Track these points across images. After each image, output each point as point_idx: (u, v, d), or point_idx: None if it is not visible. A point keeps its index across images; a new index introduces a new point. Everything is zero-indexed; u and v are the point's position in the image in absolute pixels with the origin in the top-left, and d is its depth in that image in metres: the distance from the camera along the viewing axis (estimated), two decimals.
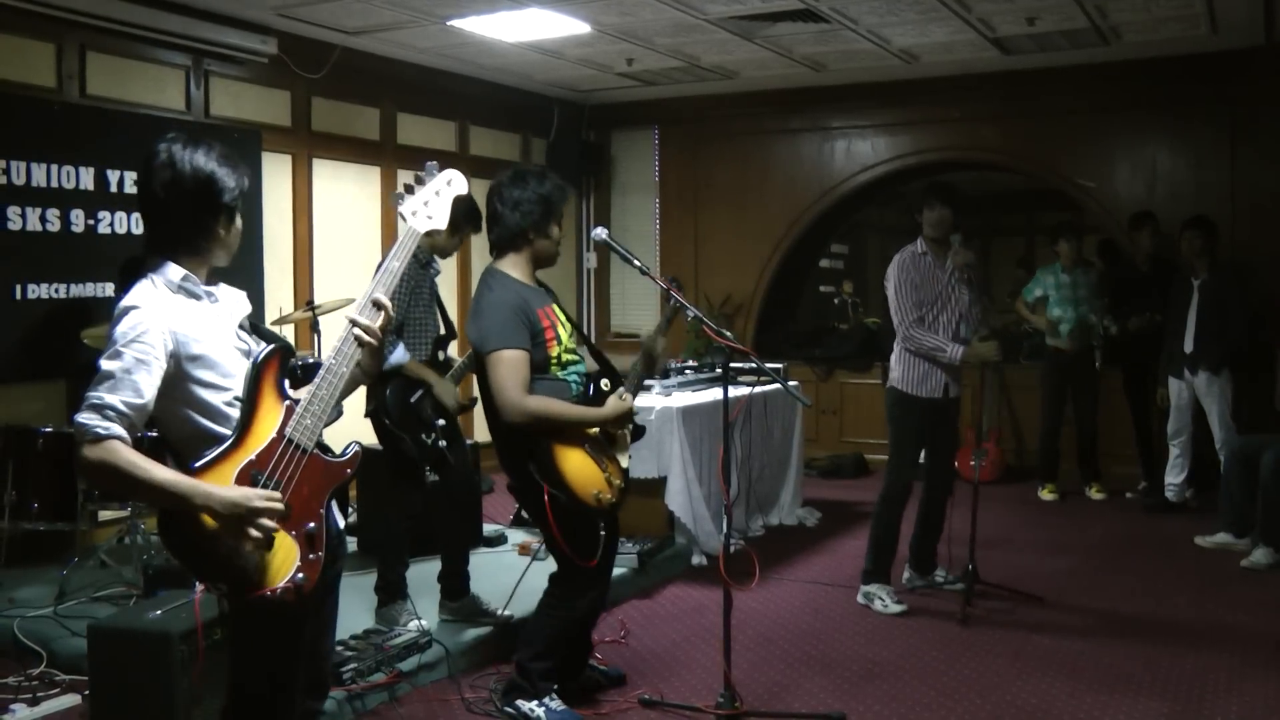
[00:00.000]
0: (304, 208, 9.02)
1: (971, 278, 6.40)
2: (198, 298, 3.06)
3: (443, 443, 5.71)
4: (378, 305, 3.11)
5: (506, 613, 5.81)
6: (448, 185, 3.35)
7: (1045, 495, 9.49)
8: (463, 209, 5.60)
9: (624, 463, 4.87)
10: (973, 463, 6.71)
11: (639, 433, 5.04)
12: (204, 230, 3.07)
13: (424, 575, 5.95)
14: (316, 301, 7.77)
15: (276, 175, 8.72)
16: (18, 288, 6.95)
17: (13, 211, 6.88)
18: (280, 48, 8.38)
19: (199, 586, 3.06)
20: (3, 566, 6.23)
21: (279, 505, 2.88)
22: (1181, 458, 8.81)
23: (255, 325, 3.22)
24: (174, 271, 3.03)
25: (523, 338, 4.60)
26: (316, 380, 3.04)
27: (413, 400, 5.65)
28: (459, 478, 5.89)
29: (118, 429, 2.81)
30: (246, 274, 8.14)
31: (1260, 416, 8.58)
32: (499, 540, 7.46)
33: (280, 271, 8.74)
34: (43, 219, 7.03)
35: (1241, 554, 7.42)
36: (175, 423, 3.00)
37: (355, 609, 5.87)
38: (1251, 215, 9.67)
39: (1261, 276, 9.27)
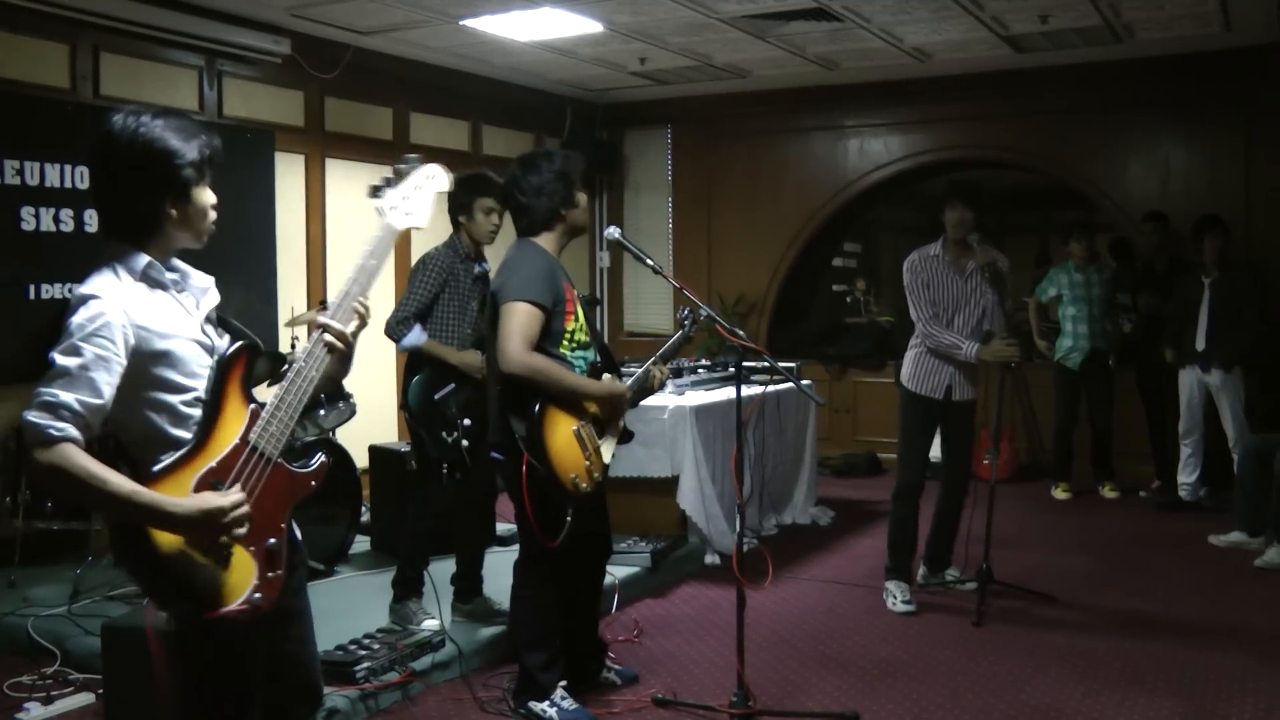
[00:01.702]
0: (317, 207, 9.03)
1: (996, 276, 6.37)
2: (164, 287, 2.81)
3: (465, 442, 5.69)
4: (356, 309, 2.95)
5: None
6: (429, 180, 3.13)
7: (1059, 494, 9.46)
8: (498, 191, 5.56)
9: (607, 457, 4.85)
10: (985, 460, 6.70)
11: (627, 436, 5.03)
12: (151, 211, 2.78)
13: (441, 574, 5.94)
14: (330, 301, 7.78)
15: (290, 175, 8.74)
16: (31, 288, 6.96)
17: (26, 212, 6.90)
18: (293, 48, 8.39)
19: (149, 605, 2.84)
20: (17, 565, 6.26)
21: (246, 510, 2.68)
22: (1194, 457, 8.78)
23: (223, 319, 2.97)
24: (138, 259, 2.77)
25: (544, 297, 4.62)
26: (284, 384, 2.83)
27: (437, 397, 5.63)
28: (478, 480, 5.88)
29: (71, 430, 2.56)
30: (260, 274, 8.17)
31: (1274, 414, 8.55)
32: (512, 540, 7.46)
33: (294, 271, 8.75)
34: (56, 219, 7.04)
35: (1256, 553, 7.39)
36: (131, 424, 2.75)
37: (371, 607, 5.88)
38: (1266, 213, 9.64)
39: (1275, 274, 9.23)
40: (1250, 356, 8.49)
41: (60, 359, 2.62)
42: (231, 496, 2.68)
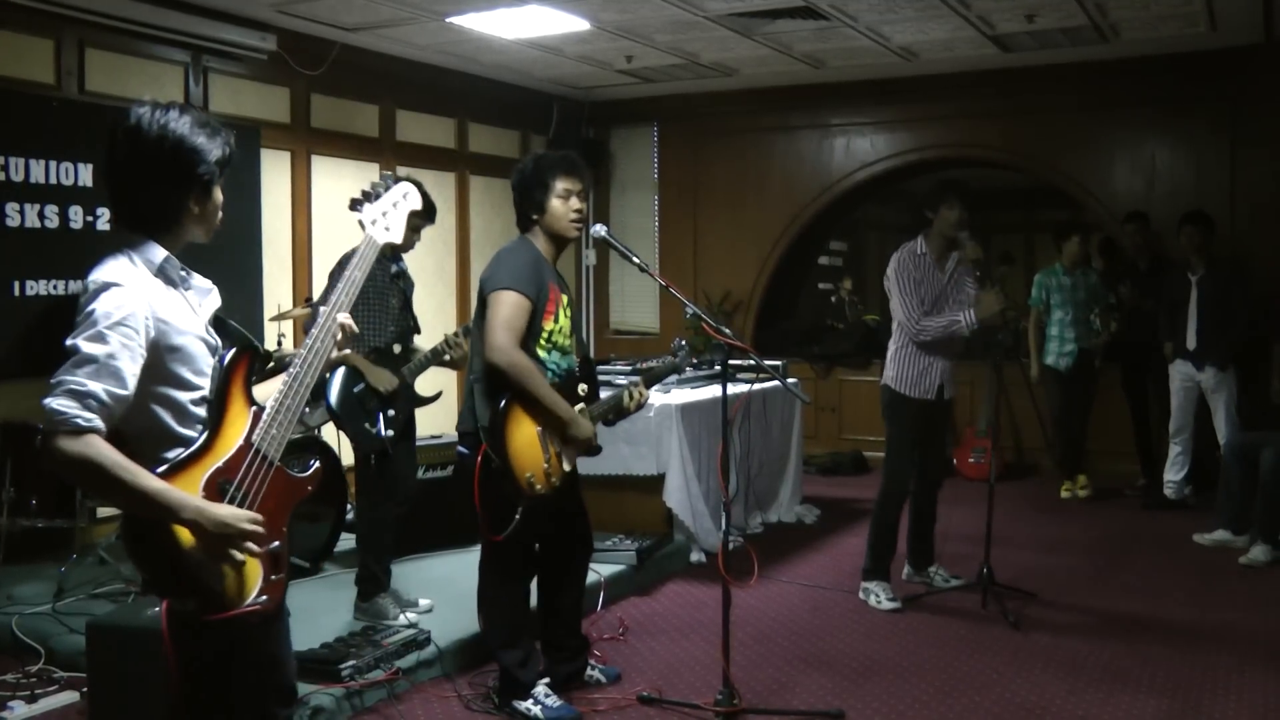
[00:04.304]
0: (303, 205, 9.01)
1: (980, 274, 6.36)
2: (174, 284, 2.82)
3: (389, 432, 5.70)
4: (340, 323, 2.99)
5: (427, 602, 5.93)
6: (404, 198, 3.26)
7: (1074, 492, 9.45)
8: (423, 203, 5.72)
9: (568, 466, 4.80)
10: (971, 459, 6.71)
11: (594, 449, 4.96)
12: (173, 206, 2.80)
13: (402, 566, 5.93)
14: (315, 298, 7.77)
15: (276, 172, 8.72)
16: (16, 284, 6.94)
17: (11, 208, 6.87)
18: (279, 44, 8.37)
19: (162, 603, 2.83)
20: (1, 563, 6.22)
21: (262, 530, 2.69)
22: (1183, 455, 8.81)
23: (221, 320, 2.97)
24: (155, 252, 2.78)
25: (530, 288, 4.64)
26: (282, 390, 2.85)
27: (356, 390, 5.65)
28: (401, 473, 5.88)
29: (98, 421, 2.54)
30: (246, 270, 8.16)
31: (1259, 413, 8.58)
32: None
33: (279, 268, 8.73)
34: (41, 215, 7.02)
35: (1240, 551, 7.42)
36: (138, 418, 2.71)
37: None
38: (1251, 212, 9.68)
39: (1261, 273, 9.27)
40: (1239, 354, 8.51)
41: (86, 346, 2.59)
42: (252, 514, 2.69)
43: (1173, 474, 8.87)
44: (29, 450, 6.23)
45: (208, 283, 2.96)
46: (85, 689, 4.80)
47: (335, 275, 5.71)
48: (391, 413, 5.72)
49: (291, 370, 2.87)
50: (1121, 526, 8.43)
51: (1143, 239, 9.47)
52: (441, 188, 10.25)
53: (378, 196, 3.22)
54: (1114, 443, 9.75)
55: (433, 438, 7.34)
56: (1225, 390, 8.46)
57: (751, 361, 5.25)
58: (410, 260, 6.05)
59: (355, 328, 3.05)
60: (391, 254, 5.87)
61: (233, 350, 2.84)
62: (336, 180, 9.26)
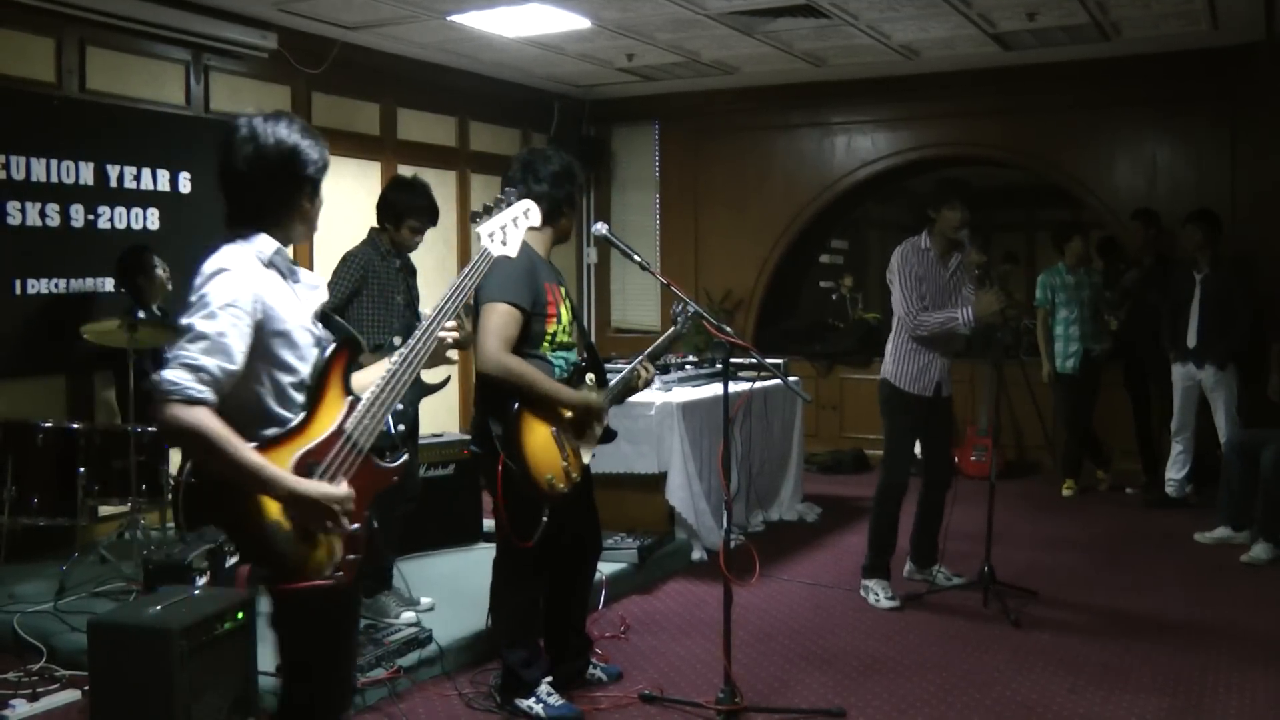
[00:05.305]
0: None
1: (983, 277, 6.36)
2: (284, 275, 3.05)
3: (400, 427, 5.68)
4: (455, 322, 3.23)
5: (428, 600, 5.93)
6: (524, 215, 3.47)
7: (1064, 491, 9.47)
8: (426, 205, 5.88)
9: (586, 458, 4.84)
10: (972, 458, 6.70)
11: (609, 436, 4.99)
12: (288, 203, 3.07)
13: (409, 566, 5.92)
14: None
15: None
16: (18, 283, 6.94)
17: (12, 206, 6.87)
18: (280, 43, 8.36)
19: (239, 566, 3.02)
20: (3, 562, 6.21)
21: (353, 506, 2.90)
22: (1184, 453, 8.80)
23: (326, 315, 3.23)
24: (266, 243, 3.02)
25: (523, 297, 4.61)
26: (380, 384, 3.04)
27: None
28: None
29: (210, 395, 2.76)
30: None
31: (1260, 411, 8.58)
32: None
33: None
34: (42, 214, 7.02)
35: (1241, 549, 7.42)
36: (240, 394, 2.91)
37: None
38: (1252, 211, 9.66)
39: (1262, 272, 9.26)
40: (1241, 353, 8.50)
41: (200, 324, 2.81)
42: (345, 490, 2.91)
43: (1174, 472, 8.86)
44: (30, 448, 6.24)
45: (315, 280, 3.21)
46: (87, 688, 4.80)
47: (340, 272, 5.73)
48: (399, 407, 5.70)
49: (390, 367, 3.08)
50: (1122, 525, 8.42)
51: (1146, 236, 9.45)
52: (442, 186, 10.23)
53: (498, 211, 3.41)
54: (1116, 441, 9.75)
55: (434, 436, 7.34)
56: (1225, 389, 8.45)
57: (753, 360, 5.25)
58: (411, 260, 6.06)
59: (458, 334, 3.30)
60: (394, 252, 5.88)
61: (337, 342, 3.05)
62: (337, 179, 9.18)
